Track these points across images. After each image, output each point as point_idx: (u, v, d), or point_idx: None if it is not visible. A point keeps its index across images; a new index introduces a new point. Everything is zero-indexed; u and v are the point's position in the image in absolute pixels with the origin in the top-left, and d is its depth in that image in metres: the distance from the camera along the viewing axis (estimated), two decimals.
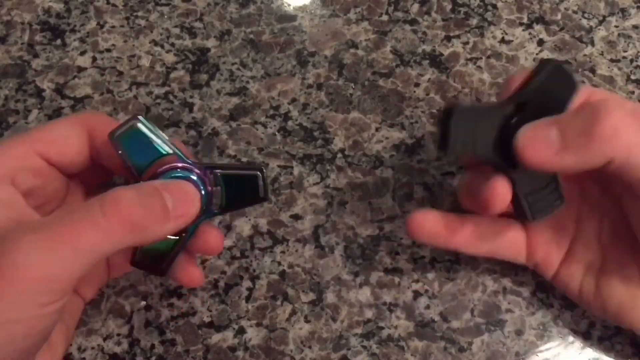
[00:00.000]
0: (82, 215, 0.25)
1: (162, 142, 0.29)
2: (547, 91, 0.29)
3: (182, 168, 0.29)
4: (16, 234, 0.24)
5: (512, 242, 0.33)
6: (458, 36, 0.42)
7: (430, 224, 0.32)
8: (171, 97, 0.40)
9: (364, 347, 0.34)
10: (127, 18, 0.42)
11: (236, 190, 0.30)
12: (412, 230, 0.32)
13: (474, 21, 0.43)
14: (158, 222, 0.26)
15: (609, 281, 0.31)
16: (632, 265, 0.31)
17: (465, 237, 0.32)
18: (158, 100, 0.40)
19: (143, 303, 0.35)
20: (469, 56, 0.41)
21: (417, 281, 0.36)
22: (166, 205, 0.27)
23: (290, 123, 0.39)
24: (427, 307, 0.35)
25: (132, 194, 0.26)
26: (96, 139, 0.30)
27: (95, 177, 0.33)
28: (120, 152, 0.29)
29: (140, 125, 0.29)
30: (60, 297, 0.25)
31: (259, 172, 0.30)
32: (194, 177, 0.29)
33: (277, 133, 0.39)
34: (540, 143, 0.27)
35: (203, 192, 0.29)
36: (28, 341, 0.25)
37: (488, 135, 0.28)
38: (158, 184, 0.27)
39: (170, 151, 0.29)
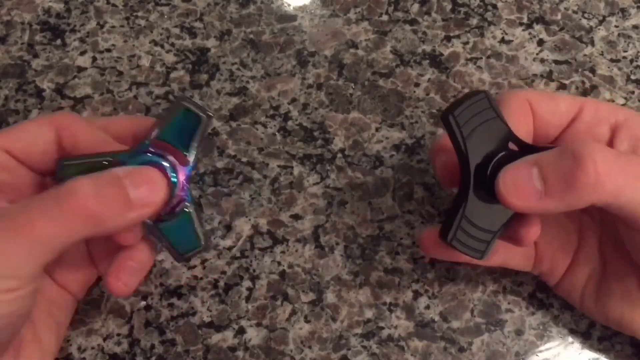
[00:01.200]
0: (37, 206, 0.25)
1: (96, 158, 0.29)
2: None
3: (152, 153, 0.29)
4: None
5: (523, 253, 0.33)
6: (458, 36, 0.42)
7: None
8: (171, 97, 0.40)
9: (364, 347, 0.34)
10: (127, 18, 0.42)
11: (183, 131, 0.29)
12: (425, 248, 0.32)
13: (474, 21, 0.43)
14: (118, 212, 0.26)
15: (610, 291, 0.31)
16: (632, 275, 0.31)
17: None
18: (158, 100, 0.40)
19: (143, 303, 0.35)
20: (469, 56, 0.41)
21: (417, 281, 0.36)
22: (127, 194, 0.26)
23: (290, 123, 0.39)
24: (427, 307, 0.35)
25: (89, 183, 0.26)
26: (65, 138, 0.30)
27: None
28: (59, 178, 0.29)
29: (65, 162, 0.29)
30: (23, 285, 0.25)
31: (182, 102, 0.29)
32: (162, 162, 0.29)
33: (277, 133, 0.39)
34: (522, 188, 0.26)
35: (174, 177, 0.29)
36: None
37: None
38: (120, 172, 0.27)
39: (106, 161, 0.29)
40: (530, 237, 0.29)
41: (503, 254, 0.33)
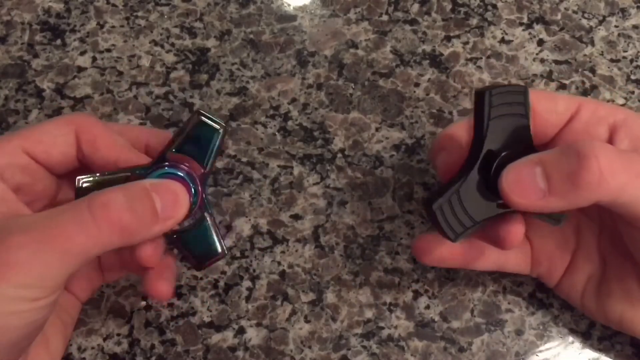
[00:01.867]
0: (70, 218, 0.25)
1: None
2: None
3: (170, 166, 0.29)
4: (6, 232, 0.25)
5: (518, 256, 0.33)
6: (458, 36, 0.42)
7: (438, 250, 0.32)
8: (171, 97, 0.40)
9: (364, 347, 0.34)
10: (127, 18, 0.42)
11: (200, 143, 0.30)
12: (420, 256, 0.32)
13: (474, 21, 0.43)
14: (147, 226, 0.26)
15: (610, 291, 0.31)
16: (632, 275, 0.30)
17: (472, 255, 0.32)
18: (158, 100, 0.40)
19: (143, 303, 0.35)
20: (469, 56, 0.41)
21: (417, 281, 0.36)
22: (155, 208, 0.27)
23: (290, 123, 0.39)
24: (427, 307, 0.35)
25: (122, 197, 0.26)
26: (84, 141, 0.30)
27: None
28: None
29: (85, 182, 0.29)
30: (50, 294, 0.25)
31: (199, 115, 0.29)
32: (182, 174, 0.29)
33: (277, 133, 0.39)
34: (525, 186, 0.26)
35: (193, 189, 0.29)
36: (20, 332, 0.25)
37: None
38: (148, 185, 0.27)
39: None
40: (512, 239, 0.29)
41: (496, 258, 0.33)
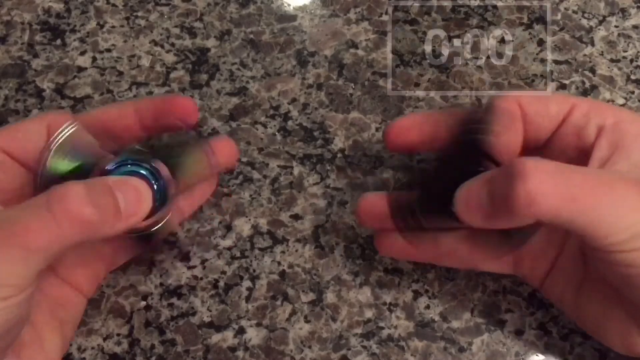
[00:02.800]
0: (30, 214, 0.25)
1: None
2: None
3: (133, 163, 0.29)
4: None
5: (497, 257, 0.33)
6: (458, 36, 0.42)
7: (399, 241, 0.32)
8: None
9: (364, 347, 0.34)
10: (127, 18, 0.42)
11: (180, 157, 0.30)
12: (382, 248, 0.34)
13: (474, 21, 0.43)
14: (109, 222, 0.26)
15: (589, 299, 0.31)
16: (609, 285, 0.30)
17: (441, 251, 0.33)
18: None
19: (143, 303, 0.35)
20: (469, 56, 0.41)
21: (417, 281, 0.36)
22: (118, 205, 0.26)
23: (290, 123, 0.39)
24: (427, 307, 0.35)
25: (83, 191, 0.25)
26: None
27: None
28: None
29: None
30: (17, 292, 0.25)
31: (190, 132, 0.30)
32: (144, 172, 0.29)
33: (277, 133, 0.39)
34: (472, 207, 0.27)
35: (155, 185, 0.29)
36: None
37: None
38: (111, 182, 0.27)
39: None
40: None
41: (469, 255, 0.33)
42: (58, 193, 0.25)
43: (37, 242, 0.25)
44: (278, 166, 0.38)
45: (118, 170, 0.29)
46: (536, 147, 0.31)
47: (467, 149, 0.29)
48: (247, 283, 0.35)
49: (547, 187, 0.25)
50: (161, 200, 0.29)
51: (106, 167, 0.29)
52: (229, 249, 0.36)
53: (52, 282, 0.31)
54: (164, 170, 0.29)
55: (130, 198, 0.27)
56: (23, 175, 0.30)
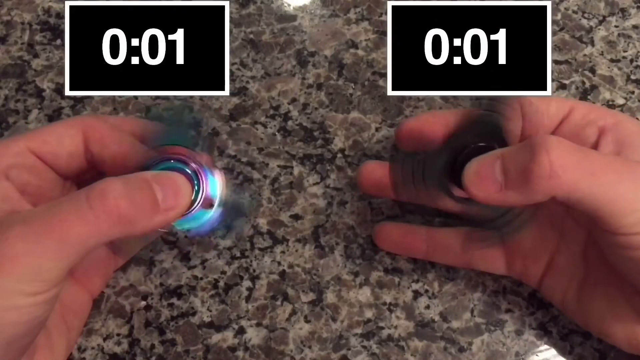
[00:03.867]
0: (68, 207, 0.25)
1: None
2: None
3: (176, 159, 0.29)
4: (6, 225, 0.25)
5: (486, 254, 0.33)
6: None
7: (395, 234, 0.34)
8: (171, 97, 0.40)
9: (364, 347, 0.34)
10: None
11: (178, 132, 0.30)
12: (379, 240, 0.35)
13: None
14: (147, 216, 0.26)
15: (591, 297, 0.31)
16: (614, 283, 0.30)
17: (432, 247, 0.34)
18: (158, 100, 0.40)
19: (143, 303, 0.35)
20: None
21: (417, 281, 0.36)
22: (156, 198, 0.26)
23: (290, 123, 0.39)
24: (427, 307, 0.35)
25: (120, 185, 0.26)
26: (92, 139, 0.30)
27: (91, 180, 0.33)
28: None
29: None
30: (48, 288, 0.25)
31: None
32: (189, 171, 0.29)
33: (277, 133, 0.39)
34: (484, 179, 0.27)
35: (196, 185, 0.29)
36: (18, 329, 0.25)
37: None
38: (149, 176, 0.27)
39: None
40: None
41: (463, 255, 0.34)
42: (98, 188, 0.25)
43: (75, 236, 0.25)
44: (278, 166, 0.38)
45: (159, 165, 0.29)
46: None
47: (480, 125, 0.29)
48: (247, 283, 0.35)
49: (568, 161, 0.25)
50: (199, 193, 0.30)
51: (147, 162, 0.29)
52: (229, 249, 0.36)
53: (66, 286, 0.31)
54: (206, 161, 0.30)
55: (169, 192, 0.27)
56: (53, 179, 0.30)
